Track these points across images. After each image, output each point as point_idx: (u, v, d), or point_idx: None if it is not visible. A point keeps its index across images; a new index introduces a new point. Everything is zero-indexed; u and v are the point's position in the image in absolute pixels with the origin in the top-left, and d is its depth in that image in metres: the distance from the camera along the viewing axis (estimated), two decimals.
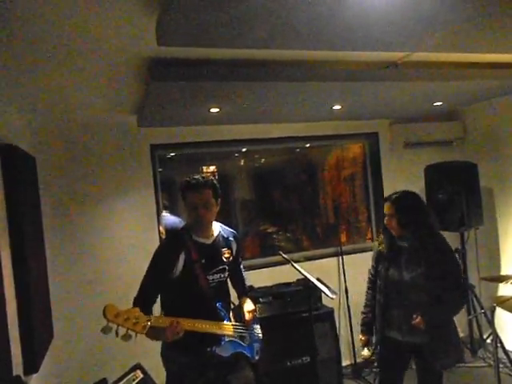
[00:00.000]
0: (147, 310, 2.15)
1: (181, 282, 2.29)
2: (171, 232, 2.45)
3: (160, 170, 3.91)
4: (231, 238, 2.54)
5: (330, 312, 3.73)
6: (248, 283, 2.77)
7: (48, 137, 3.45)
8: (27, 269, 2.42)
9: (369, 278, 2.80)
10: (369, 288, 2.79)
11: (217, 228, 2.50)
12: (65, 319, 3.38)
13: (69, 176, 3.51)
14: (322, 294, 3.49)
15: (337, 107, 3.50)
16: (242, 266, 2.74)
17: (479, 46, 2.25)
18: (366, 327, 2.74)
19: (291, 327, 3.53)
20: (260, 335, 2.59)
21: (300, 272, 2.88)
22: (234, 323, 2.43)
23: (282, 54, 2.31)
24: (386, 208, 2.59)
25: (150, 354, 2.46)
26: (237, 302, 2.62)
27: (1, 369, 1.90)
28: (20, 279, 2.36)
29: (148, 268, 2.32)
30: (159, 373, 2.45)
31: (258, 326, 2.61)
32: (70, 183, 3.51)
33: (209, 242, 2.41)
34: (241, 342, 2.44)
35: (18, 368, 2.22)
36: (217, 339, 2.32)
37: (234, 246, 2.54)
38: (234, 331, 2.40)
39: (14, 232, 2.35)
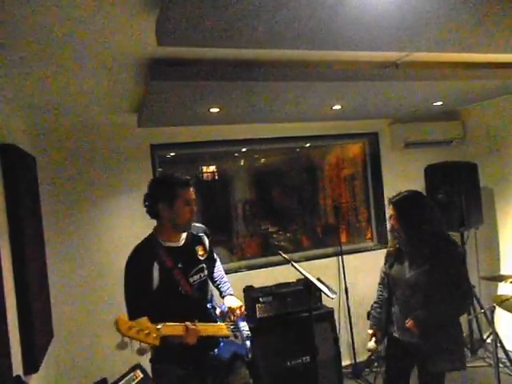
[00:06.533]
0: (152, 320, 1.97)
1: (163, 291, 2.14)
2: (139, 243, 2.26)
3: (160, 169, 3.91)
4: (201, 234, 2.42)
5: (330, 312, 3.73)
6: (229, 284, 2.62)
7: (48, 137, 3.45)
8: (27, 269, 2.43)
9: (380, 275, 2.81)
10: (379, 284, 2.80)
11: None
12: (65, 319, 3.39)
13: (69, 176, 3.51)
14: (322, 294, 3.49)
15: (337, 107, 3.49)
16: (219, 262, 2.62)
17: (479, 46, 2.25)
18: (374, 321, 2.74)
19: (291, 327, 3.53)
20: (249, 332, 2.50)
21: (300, 272, 2.87)
22: (226, 322, 2.36)
23: (282, 54, 2.31)
24: (389, 210, 2.57)
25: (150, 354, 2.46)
26: (220, 301, 2.51)
27: (1, 369, 1.90)
28: (20, 279, 2.37)
29: (125, 285, 2.14)
30: None
31: (245, 323, 2.53)
32: (70, 183, 3.51)
33: (180, 244, 2.29)
34: (235, 341, 2.37)
35: (17, 368, 2.22)
36: (216, 341, 2.26)
37: (206, 241, 2.44)
38: (229, 331, 2.35)
39: (14, 232, 2.36)
